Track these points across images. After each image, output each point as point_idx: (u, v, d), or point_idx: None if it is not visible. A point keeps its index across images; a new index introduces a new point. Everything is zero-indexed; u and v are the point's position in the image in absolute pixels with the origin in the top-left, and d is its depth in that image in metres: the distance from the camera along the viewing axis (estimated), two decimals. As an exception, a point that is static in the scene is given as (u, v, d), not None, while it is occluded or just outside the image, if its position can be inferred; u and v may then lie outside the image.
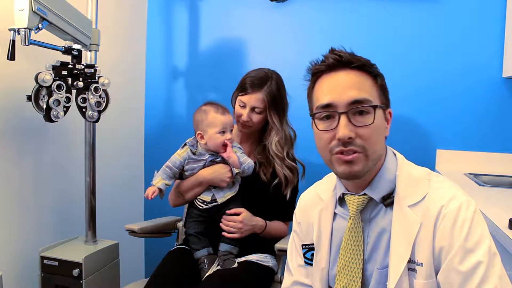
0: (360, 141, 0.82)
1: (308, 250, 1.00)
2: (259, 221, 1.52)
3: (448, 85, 1.95)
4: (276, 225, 1.57)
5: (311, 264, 0.99)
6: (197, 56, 2.27)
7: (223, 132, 1.47)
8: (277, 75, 1.59)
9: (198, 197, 1.53)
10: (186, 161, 1.51)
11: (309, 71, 0.92)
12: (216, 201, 1.50)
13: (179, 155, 1.52)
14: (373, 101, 0.84)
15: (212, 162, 1.51)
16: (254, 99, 1.53)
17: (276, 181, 1.56)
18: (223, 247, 1.48)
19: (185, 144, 1.53)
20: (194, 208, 1.55)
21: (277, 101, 1.55)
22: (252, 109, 1.54)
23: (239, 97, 1.56)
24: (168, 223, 1.75)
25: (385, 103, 0.89)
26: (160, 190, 1.47)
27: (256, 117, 1.55)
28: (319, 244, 0.96)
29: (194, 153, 1.51)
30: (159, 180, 1.50)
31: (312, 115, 0.89)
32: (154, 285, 1.36)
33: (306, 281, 1.02)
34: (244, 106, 1.55)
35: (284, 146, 1.57)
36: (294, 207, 1.09)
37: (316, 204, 0.99)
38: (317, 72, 0.89)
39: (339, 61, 0.86)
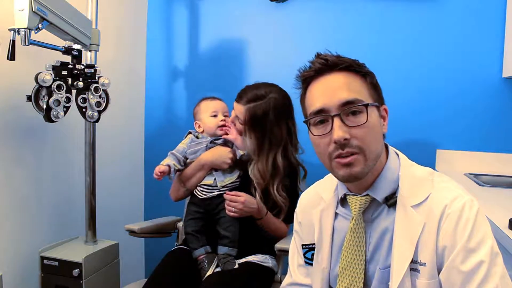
0: (356, 142, 0.82)
1: (309, 250, 1.00)
2: (260, 206, 1.50)
3: (448, 85, 1.94)
4: (277, 221, 1.55)
5: (311, 264, 0.99)
6: (197, 56, 2.27)
7: (215, 115, 1.57)
8: (275, 101, 1.45)
9: (200, 183, 1.54)
10: (189, 145, 1.57)
11: (298, 78, 0.93)
12: (217, 187, 1.51)
13: (183, 143, 1.59)
14: (364, 100, 0.84)
15: (214, 144, 1.55)
16: (238, 109, 1.51)
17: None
18: (222, 249, 1.48)
19: (189, 133, 1.61)
20: (193, 204, 1.56)
21: (256, 124, 1.46)
22: (237, 117, 1.52)
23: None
24: (168, 223, 1.75)
25: (378, 100, 0.89)
26: (168, 166, 1.50)
27: (238, 125, 1.53)
28: (320, 244, 0.96)
29: (197, 137, 1.58)
30: (167, 160, 1.54)
31: (306, 122, 0.89)
32: (153, 285, 1.35)
33: (306, 281, 1.02)
34: (233, 110, 1.54)
35: (267, 178, 1.47)
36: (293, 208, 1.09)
37: (317, 204, 0.99)
38: (306, 79, 0.90)
39: (326, 64, 0.87)
